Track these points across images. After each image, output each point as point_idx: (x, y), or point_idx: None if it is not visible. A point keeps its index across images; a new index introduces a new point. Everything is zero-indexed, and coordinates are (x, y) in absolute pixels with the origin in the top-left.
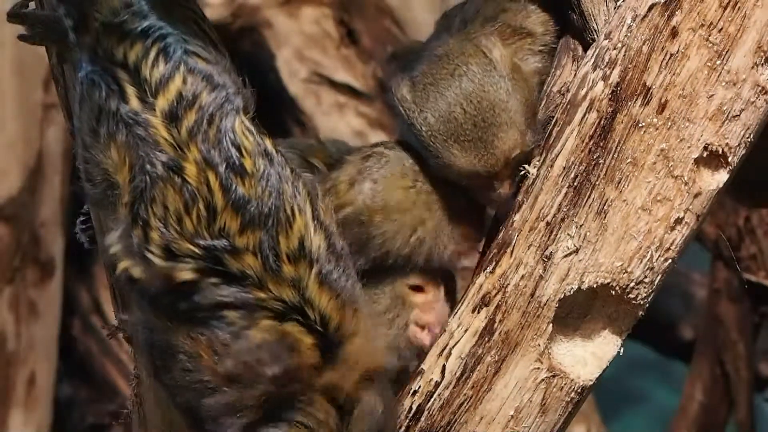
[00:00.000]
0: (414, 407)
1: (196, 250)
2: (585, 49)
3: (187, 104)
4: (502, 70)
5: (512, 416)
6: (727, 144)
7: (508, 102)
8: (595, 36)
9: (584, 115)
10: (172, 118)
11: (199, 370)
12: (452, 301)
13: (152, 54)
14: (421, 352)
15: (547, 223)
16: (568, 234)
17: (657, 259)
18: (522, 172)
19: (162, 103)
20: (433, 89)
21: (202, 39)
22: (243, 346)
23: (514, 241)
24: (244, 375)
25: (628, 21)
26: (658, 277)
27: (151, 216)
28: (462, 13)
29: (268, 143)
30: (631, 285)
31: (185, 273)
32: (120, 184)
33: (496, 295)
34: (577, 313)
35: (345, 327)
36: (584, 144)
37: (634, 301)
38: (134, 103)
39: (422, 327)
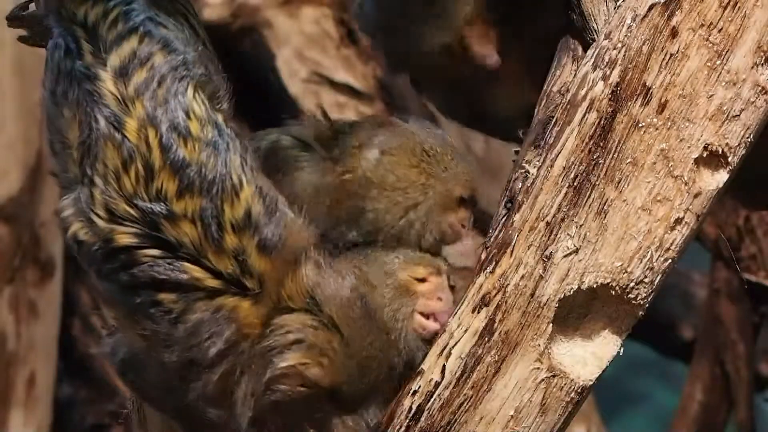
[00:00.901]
0: (414, 407)
1: (134, 213)
2: (585, 49)
3: (138, 62)
4: None
5: (512, 416)
6: (727, 144)
7: None
8: (595, 36)
9: (584, 115)
10: (122, 73)
11: (162, 369)
12: (453, 291)
13: (112, 15)
14: (430, 342)
15: (547, 223)
16: (568, 234)
17: (657, 259)
18: (523, 171)
19: (114, 59)
20: None
21: (180, 26)
22: (182, 332)
23: (514, 241)
24: (196, 360)
25: (628, 21)
26: (658, 277)
27: (95, 174)
28: None
29: (220, 117)
30: (631, 285)
31: (124, 237)
32: (71, 143)
33: (496, 295)
34: (577, 313)
35: (282, 281)
36: (584, 144)
37: (634, 301)
38: (87, 58)
39: (428, 315)
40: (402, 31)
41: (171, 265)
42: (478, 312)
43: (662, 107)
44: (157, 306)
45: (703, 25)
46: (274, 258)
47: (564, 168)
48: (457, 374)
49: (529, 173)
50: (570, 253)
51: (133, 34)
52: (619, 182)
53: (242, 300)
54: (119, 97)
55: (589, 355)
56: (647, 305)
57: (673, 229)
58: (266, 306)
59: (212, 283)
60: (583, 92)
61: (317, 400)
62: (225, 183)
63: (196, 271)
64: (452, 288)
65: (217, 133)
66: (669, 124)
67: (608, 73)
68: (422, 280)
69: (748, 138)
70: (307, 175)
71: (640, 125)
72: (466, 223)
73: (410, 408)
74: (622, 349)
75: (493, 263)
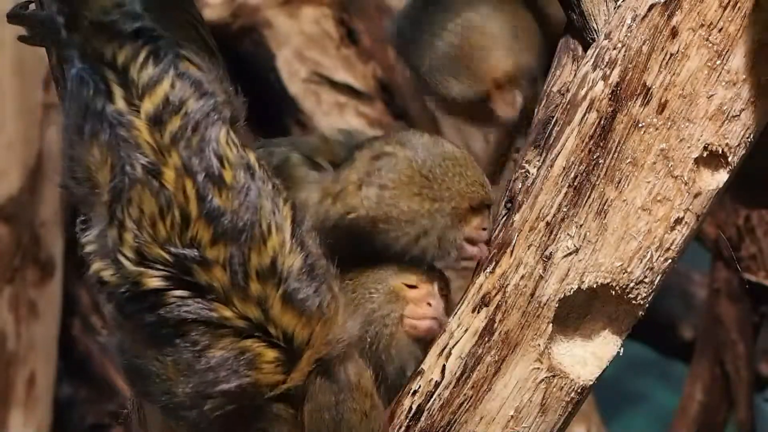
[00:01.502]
0: (414, 407)
1: (167, 257)
2: (585, 49)
3: (173, 109)
4: None
5: (512, 416)
6: (727, 144)
7: (486, 25)
8: (595, 36)
9: (584, 115)
10: (157, 121)
11: (171, 391)
12: (446, 300)
13: (142, 56)
14: (421, 343)
15: (547, 223)
16: (568, 234)
17: (657, 259)
18: (524, 171)
19: (148, 105)
20: (419, 26)
21: (197, 44)
22: (204, 365)
23: (514, 241)
24: (206, 392)
25: (628, 21)
26: (658, 277)
27: (127, 217)
28: None
29: (252, 157)
30: (631, 285)
31: (154, 280)
32: (101, 183)
33: (496, 295)
34: (577, 313)
35: (312, 340)
36: (584, 144)
37: (634, 301)
38: (120, 103)
39: (417, 319)
40: (429, 75)
41: (200, 304)
42: (478, 312)
43: (662, 107)
44: (183, 337)
45: (703, 25)
46: (304, 318)
47: (564, 168)
48: (457, 374)
49: (529, 173)
50: (570, 253)
51: (165, 78)
52: (619, 182)
53: (268, 349)
54: (155, 147)
55: (589, 355)
56: (647, 305)
57: (673, 229)
58: (290, 368)
59: (239, 323)
60: (583, 92)
61: None
62: (254, 230)
63: (225, 310)
64: (445, 297)
65: (250, 177)
66: (669, 124)
67: (608, 73)
68: (413, 287)
69: (748, 138)
70: (313, 203)
71: (640, 125)
72: (485, 226)
73: (410, 408)
74: (622, 349)
75: (493, 263)
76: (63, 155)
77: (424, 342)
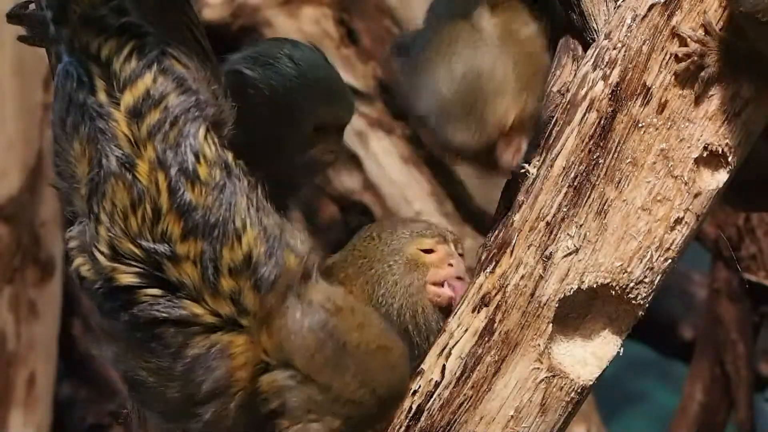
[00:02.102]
0: (414, 407)
1: (138, 252)
2: (585, 49)
3: (152, 103)
4: (490, 39)
5: (512, 416)
6: (727, 144)
7: (494, 71)
8: (595, 36)
9: (584, 115)
10: (135, 114)
11: (164, 399)
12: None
13: (126, 50)
14: (449, 310)
15: (547, 223)
16: (568, 234)
17: (657, 259)
18: (524, 171)
19: (128, 98)
20: (422, 71)
21: (189, 46)
22: (182, 367)
23: (514, 241)
24: (193, 397)
25: (628, 21)
26: (658, 277)
27: (101, 211)
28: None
29: (230, 157)
30: (631, 285)
31: (126, 276)
32: (79, 177)
33: (496, 295)
34: (577, 313)
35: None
36: (584, 144)
37: (634, 301)
38: (101, 96)
39: (440, 284)
40: (433, 121)
41: (171, 302)
42: (478, 312)
43: (662, 107)
44: (157, 340)
45: (702, 25)
46: (266, 297)
47: (564, 168)
48: (457, 374)
49: (529, 173)
50: (570, 253)
51: (147, 72)
52: (619, 182)
53: (237, 335)
54: (131, 139)
55: (589, 355)
56: (647, 305)
57: (673, 229)
58: (253, 349)
59: (210, 319)
60: (583, 92)
61: None
62: (227, 227)
63: (196, 308)
64: (461, 255)
65: (226, 175)
66: (669, 124)
67: (608, 73)
68: (429, 251)
69: (748, 137)
70: None
71: (640, 125)
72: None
73: (410, 408)
74: (622, 349)
75: (493, 263)
76: (52, 152)
77: (448, 309)
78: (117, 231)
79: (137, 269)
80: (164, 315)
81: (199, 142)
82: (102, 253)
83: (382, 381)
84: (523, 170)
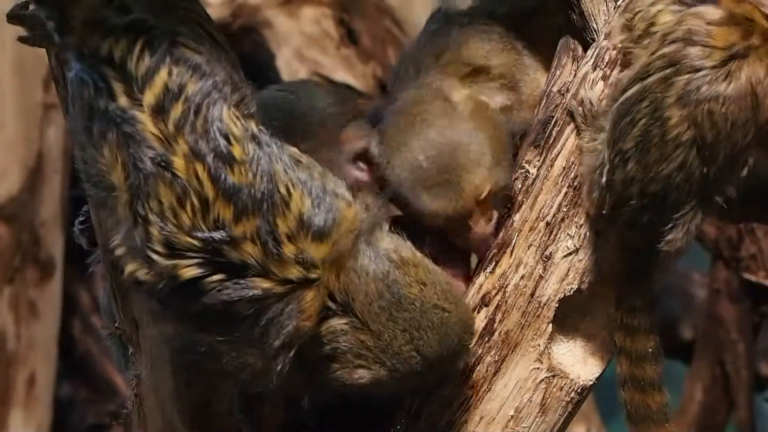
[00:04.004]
0: (414, 406)
1: (196, 243)
2: (585, 49)
3: (173, 96)
4: (462, 112)
5: (512, 416)
6: None
7: (470, 144)
8: (595, 36)
9: None
10: (160, 111)
11: (246, 363)
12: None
13: (137, 48)
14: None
15: (547, 223)
16: (568, 234)
17: None
18: (523, 171)
19: (149, 97)
20: (397, 141)
21: (200, 38)
22: (259, 333)
23: (514, 241)
24: (270, 352)
25: None
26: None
27: (149, 212)
28: (413, 58)
29: (253, 125)
30: None
31: (189, 270)
32: (116, 185)
33: (496, 295)
34: (577, 313)
35: (333, 246)
36: None
37: None
38: (122, 100)
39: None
40: (405, 187)
41: (238, 284)
42: (478, 312)
43: None
44: (232, 318)
45: None
46: (329, 242)
47: (564, 168)
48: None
49: (529, 173)
50: (570, 253)
51: (162, 66)
52: None
53: (307, 290)
54: (161, 137)
55: (589, 355)
56: None
57: None
58: (320, 296)
59: (281, 289)
60: (583, 92)
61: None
62: (274, 197)
63: (265, 282)
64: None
65: (257, 147)
66: None
67: (608, 73)
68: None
69: None
70: None
71: None
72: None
73: (410, 407)
74: None
75: (493, 263)
76: (76, 159)
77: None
78: (170, 228)
79: (198, 260)
80: (235, 297)
81: (225, 123)
82: (158, 252)
83: (430, 342)
84: (523, 170)
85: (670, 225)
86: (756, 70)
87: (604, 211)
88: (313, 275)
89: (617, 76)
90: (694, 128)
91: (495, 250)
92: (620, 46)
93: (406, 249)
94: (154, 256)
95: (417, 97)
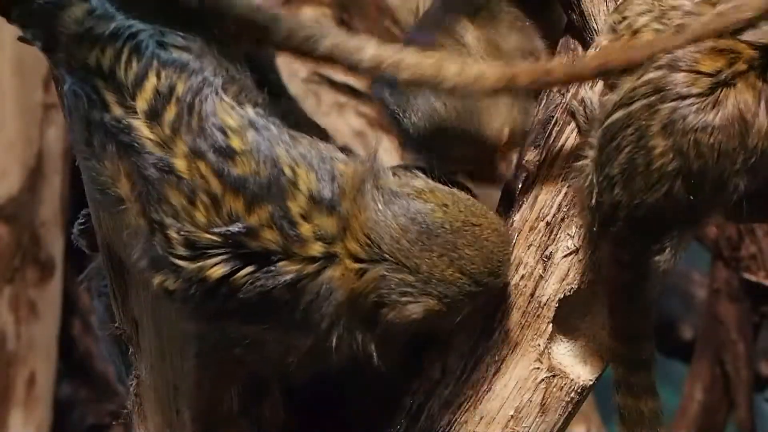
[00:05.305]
0: (414, 406)
1: (216, 239)
2: (585, 49)
3: (164, 99)
4: (477, 53)
5: (512, 416)
6: None
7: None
8: (595, 36)
9: None
10: (154, 116)
11: (292, 346)
12: None
13: (125, 55)
14: None
15: (547, 223)
16: (568, 234)
17: None
18: (523, 166)
19: (141, 103)
20: (412, 89)
21: (194, 40)
22: (300, 317)
23: (514, 241)
24: (318, 332)
25: None
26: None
27: (164, 216)
28: (431, 8)
29: (250, 111)
30: None
31: (216, 269)
32: (124, 197)
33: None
34: (578, 313)
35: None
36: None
37: None
38: (116, 109)
39: None
40: (428, 137)
41: (268, 272)
42: None
43: None
44: (272, 307)
45: None
46: (340, 210)
47: (564, 168)
48: (457, 374)
49: (529, 173)
50: (570, 253)
51: (150, 70)
52: None
53: (335, 268)
54: (160, 141)
55: (589, 355)
56: None
57: None
58: (347, 267)
59: (310, 268)
60: (583, 92)
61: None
62: (281, 181)
63: (292, 265)
64: None
65: (256, 133)
66: None
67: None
68: None
69: None
70: None
71: None
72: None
73: (410, 407)
74: None
75: None
76: (81, 170)
77: None
78: (188, 227)
79: (222, 257)
80: (269, 287)
81: (220, 117)
82: (182, 257)
83: (471, 257)
84: (522, 170)
85: (657, 246)
86: (744, 97)
87: (594, 228)
88: (336, 249)
89: (602, 99)
90: (680, 158)
91: None
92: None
93: (417, 180)
94: (179, 262)
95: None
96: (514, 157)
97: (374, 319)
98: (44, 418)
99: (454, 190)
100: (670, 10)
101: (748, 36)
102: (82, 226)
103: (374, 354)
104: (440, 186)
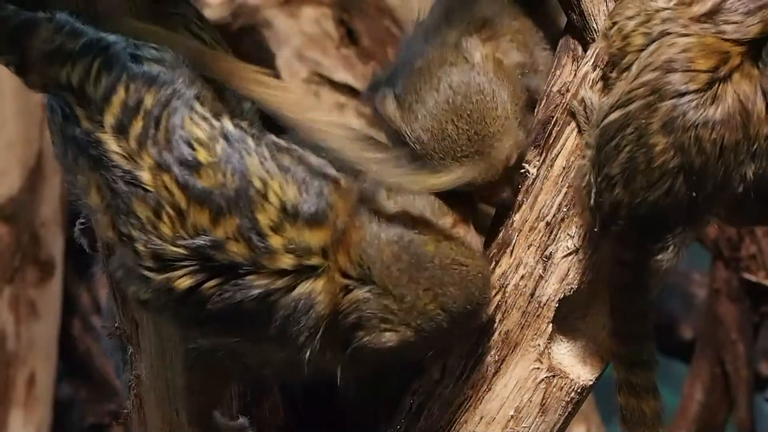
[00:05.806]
0: (414, 406)
1: (182, 251)
2: (585, 49)
3: (131, 112)
4: (487, 73)
5: (512, 416)
6: None
7: (498, 108)
8: (595, 36)
9: None
10: (121, 130)
11: (268, 361)
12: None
13: (94, 70)
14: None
15: (547, 223)
16: (568, 234)
17: None
18: (523, 171)
19: (109, 118)
20: (421, 106)
21: (167, 50)
22: (275, 330)
23: (514, 241)
24: (286, 346)
25: None
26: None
27: (131, 229)
28: (430, 18)
29: (226, 122)
30: None
31: (183, 280)
32: (94, 209)
33: (496, 295)
34: (578, 313)
35: (335, 228)
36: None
37: None
38: (85, 123)
39: None
40: (432, 155)
41: (236, 285)
42: None
43: None
44: (241, 319)
45: None
46: (327, 226)
47: (564, 168)
48: (457, 374)
49: (529, 173)
50: (570, 253)
51: (119, 84)
52: None
53: (316, 280)
54: (126, 155)
55: (589, 355)
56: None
57: None
58: (333, 280)
59: (280, 283)
60: (583, 92)
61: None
62: (249, 193)
63: (261, 279)
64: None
65: (227, 145)
66: None
67: (608, 73)
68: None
69: None
70: None
71: None
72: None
73: (410, 407)
74: None
75: (493, 263)
76: (67, 183)
77: None
78: (155, 240)
79: (189, 269)
80: (238, 298)
81: (187, 130)
82: (149, 268)
83: (454, 297)
84: (522, 170)
85: (660, 244)
86: (743, 87)
87: (595, 229)
88: (312, 261)
89: (598, 102)
90: (681, 155)
91: (495, 250)
92: (602, 54)
93: (413, 208)
94: (148, 273)
95: (437, 58)
96: (517, 178)
97: (348, 339)
98: (44, 418)
99: (448, 225)
100: (654, 14)
101: (731, 34)
102: (82, 226)
103: (338, 375)
104: (435, 220)
